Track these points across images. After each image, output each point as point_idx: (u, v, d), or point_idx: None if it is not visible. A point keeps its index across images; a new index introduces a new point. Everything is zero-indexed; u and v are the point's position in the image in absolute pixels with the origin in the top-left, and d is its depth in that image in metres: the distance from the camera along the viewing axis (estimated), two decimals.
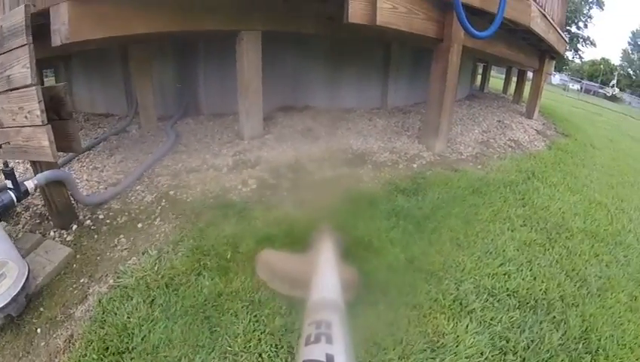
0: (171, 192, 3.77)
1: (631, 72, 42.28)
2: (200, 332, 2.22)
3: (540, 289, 2.56)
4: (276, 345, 2.12)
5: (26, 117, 2.74)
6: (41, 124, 2.68)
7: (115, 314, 2.43)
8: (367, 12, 3.72)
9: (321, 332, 0.80)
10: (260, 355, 2.07)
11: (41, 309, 2.63)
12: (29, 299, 2.66)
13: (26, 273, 2.59)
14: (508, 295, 2.48)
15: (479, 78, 11.70)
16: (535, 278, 2.67)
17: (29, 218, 3.61)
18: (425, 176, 4.01)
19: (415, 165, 4.31)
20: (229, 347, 2.12)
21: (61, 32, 3.00)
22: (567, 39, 8.52)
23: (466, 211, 3.37)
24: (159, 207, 3.55)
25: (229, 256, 2.75)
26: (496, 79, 14.04)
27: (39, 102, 2.62)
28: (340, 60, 6.58)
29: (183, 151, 4.83)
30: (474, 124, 5.93)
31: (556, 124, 7.92)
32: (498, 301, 2.43)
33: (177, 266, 2.73)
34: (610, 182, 4.85)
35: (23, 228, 3.48)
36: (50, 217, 3.52)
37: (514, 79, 10.49)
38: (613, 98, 33.08)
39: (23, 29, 2.51)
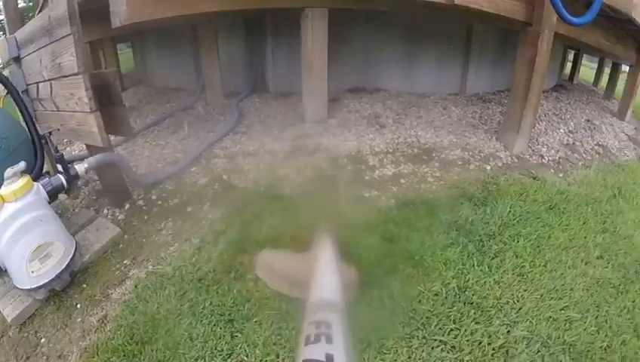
0: (225, 176, 3.80)
1: None
2: (221, 335, 2.19)
3: (601, 347, 2.18)
4: None
5: (76, 103, 2.90)
6: (89, 111, 2.81)
7: (147, 302, 2.50)
8: None
9: (320, 332, 0.80)
10: None
11: (84, 286, 2.79)
12: (74, 276, 2.86)
13: (72, 252, 2.80)
14: (563, 349, 2.12)
15: (569, 65, 10.66)
16: (599, 330, 2.28)
17: (87, 193, 3.82)
18: (498, 183, 3.63)
19: (489, 167, 3.94)
20: (246, 357, 2.07)
21: (120, 13, 3.00)
22: None
23: (538, 232, 2.98)
24: (211, 191, 3.59)
25: None
26: (587, 69, 12.70)
27: (86, 90, 2.73)
28: (417, 40, 6.16)
29: (244, 132, 4.81)
30: (560, 122, 5.36)
31: None
32: (550, 355, 2.08)
33: (214, 260, 2.72)
34: None
35: (81, 202, 3.70)
36: (104, 195, 3.68)
37: (607, 70, 9.39)
38: None
39: (66, 19, 2.62)
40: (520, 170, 3.91)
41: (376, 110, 5.26)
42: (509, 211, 3.16)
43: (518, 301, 2.38)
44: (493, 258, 2.67)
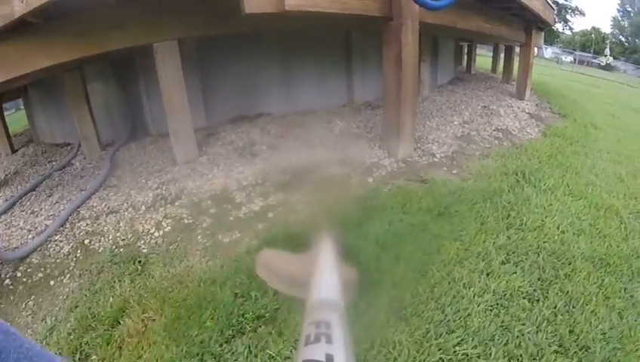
0: (87, 241, 3.44)
1: (623, 39, 40.83)
2: None
3: None
4: None
5: None
6: None
7: None
8: None
9: (320, 332, 0.71)
10: None
11: None
12: None
13: None
14: None
15: (466, 58, 10.99)
16: (510, 360, 1.80)
17: None
18: (379, 196, 3.17)
19: (371, 179, 3.50)
20: None
21: None
22: (554, 7, 7.61)
23: (423, 249, 2.50)
24: (74, 260, 3.29)
25: (109, 332, 2.36)
26: (485, 58, 13.26)
27: None
28: (295, 57, 5.80)
29: (114, 186, 4.39)
30: (453, 114, 5.08)
31: (551, 102, 7.04)
32: None
33: (62, 342, 2.43)
34: (619, 173, 3.93)
35: None
36: None
37: (502, 56, 9.67)
38: (607, 67, 32.14)
39: None
40: (407, 176, 3.50)
41: (253, 138, 4.80)
42: (388, 229, 2.67)
43: (394, 348, 1.87)
44: (362, 296, 2.13)
